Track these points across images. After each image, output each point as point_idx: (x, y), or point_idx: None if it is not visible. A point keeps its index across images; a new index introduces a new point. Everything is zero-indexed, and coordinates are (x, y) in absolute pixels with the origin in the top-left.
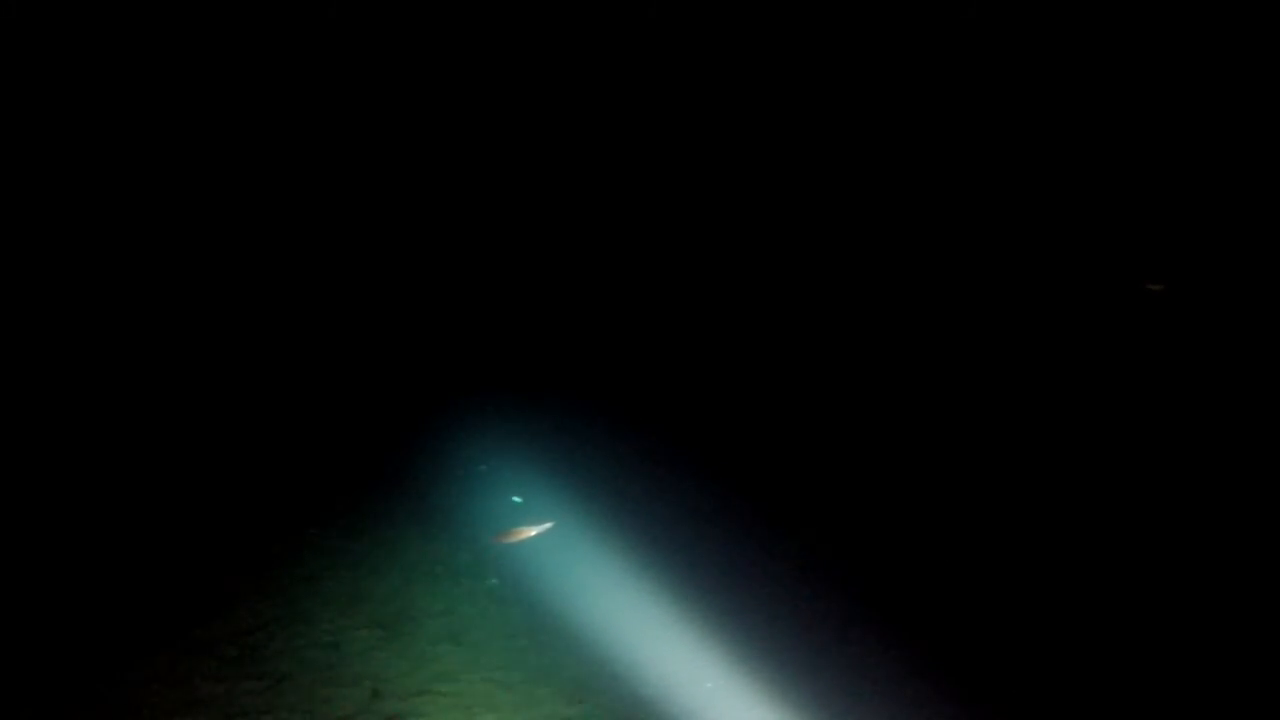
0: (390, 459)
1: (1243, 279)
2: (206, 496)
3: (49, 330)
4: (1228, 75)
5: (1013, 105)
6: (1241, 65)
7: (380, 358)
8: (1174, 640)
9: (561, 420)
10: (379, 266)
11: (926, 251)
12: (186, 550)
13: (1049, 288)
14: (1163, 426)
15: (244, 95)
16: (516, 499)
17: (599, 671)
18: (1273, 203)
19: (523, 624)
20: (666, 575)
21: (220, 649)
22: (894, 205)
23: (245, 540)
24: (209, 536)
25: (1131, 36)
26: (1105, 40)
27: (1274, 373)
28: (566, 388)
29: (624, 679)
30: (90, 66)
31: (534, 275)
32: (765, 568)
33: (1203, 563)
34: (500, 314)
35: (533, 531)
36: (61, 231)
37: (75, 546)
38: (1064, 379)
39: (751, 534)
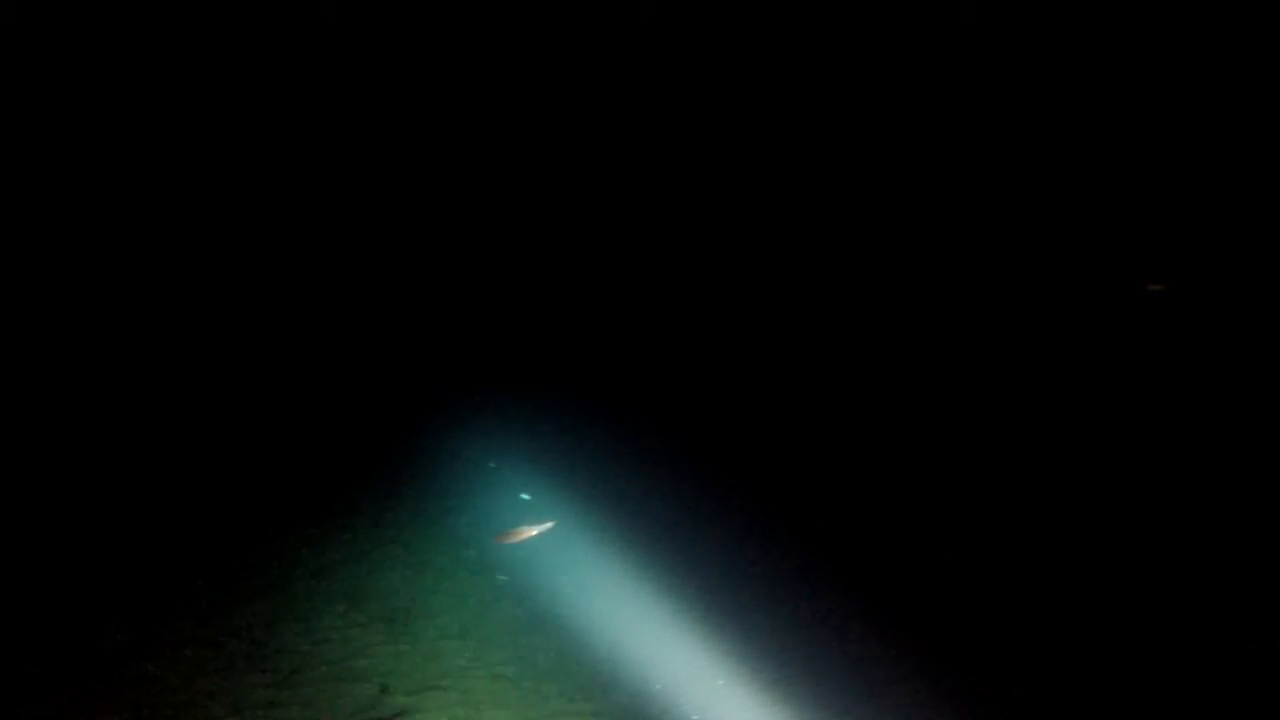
0: (397, 456)
1: (1243, 279)
2: (216, 494)
3: (59, 332)
4: (1228, 75)
5: (1013, 105)
6: (1241, 65)
7: (385, 358)
8: (1170, 638)
9: (564, 420)
10: (384, 267)
11: (926, 251)
12: (196, 547)
13: (1049, 288)
14: (1162, 425)
15: (247, 95)
16: (524, 496)
17: (604, 669)
18: (1273, 203)
19: (529, 620)
20: (668, 574)
21: (229, 644)
22: (894, 205)
23: (253, 537)
24: (218, 533)
25: (1131, 37)
26: (1105, 40)
27: (1274, 372)
28: (569, 388)
29: (629, 676)
30: (90, 66)
31: (536, 275)
32: (765, 567)
33: (1201, 560)
34: (503, 314)
35: (534, 531)
36: (66, 231)
37: (87, 544)
38: (1064, 378)
39: (751, 533)
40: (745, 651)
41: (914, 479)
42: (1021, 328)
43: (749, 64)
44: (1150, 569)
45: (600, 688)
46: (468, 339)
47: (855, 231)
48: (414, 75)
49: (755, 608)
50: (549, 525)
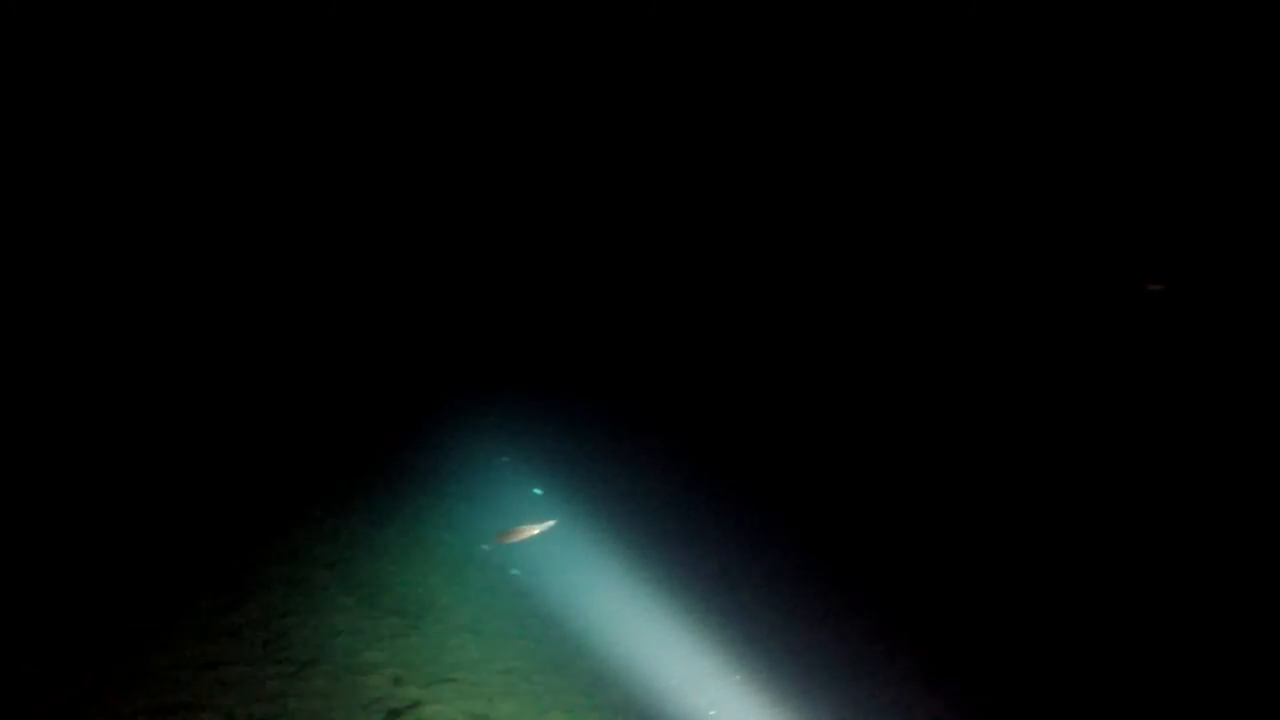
0: (409, 452)
1: (1243, 279)
2: (228, 487)
3: (67, 322)
4: (1228, 75)
5: (1013, 105)
6: (1241, 65)
7: (397, 356)
8: (1169, 636)
9: (568, 419)
10: (395, 266)
11: (927, 252)
12: (208, 540)
13: (1050, 288)
14: (1162, 424)
15: (251, 95)
16: (537, 490)
17: (614, 665)
18: (1273, 203)
19: (539, 615)
20: (670, 571)
21: (247, 634)
22: (894, 205)
23: (265, 530)
24: (229, 526)
25: (1131, 37)
26: (1105, 40)
27: (1273, 372)
28: (573, 387)
29: (638, 672)
30: (90, 66)
31: (544, 274)
32: (767, 567)
33: (1200, 558)
34: (512, 314)
35: (536, 530)
36: (70, 230)
37: (97, 538)
38: (1064, 377)
39: (753, 535)
40: (748, 649)
41: (913, 477)
42: (1022, 328)
43: (751, 65)
44: (1148, 566)
45: (611, 684)
46: (479, 338)
47: (855, 232)
48: (420, 74)
49: (756, 606)
50: (550, 524)
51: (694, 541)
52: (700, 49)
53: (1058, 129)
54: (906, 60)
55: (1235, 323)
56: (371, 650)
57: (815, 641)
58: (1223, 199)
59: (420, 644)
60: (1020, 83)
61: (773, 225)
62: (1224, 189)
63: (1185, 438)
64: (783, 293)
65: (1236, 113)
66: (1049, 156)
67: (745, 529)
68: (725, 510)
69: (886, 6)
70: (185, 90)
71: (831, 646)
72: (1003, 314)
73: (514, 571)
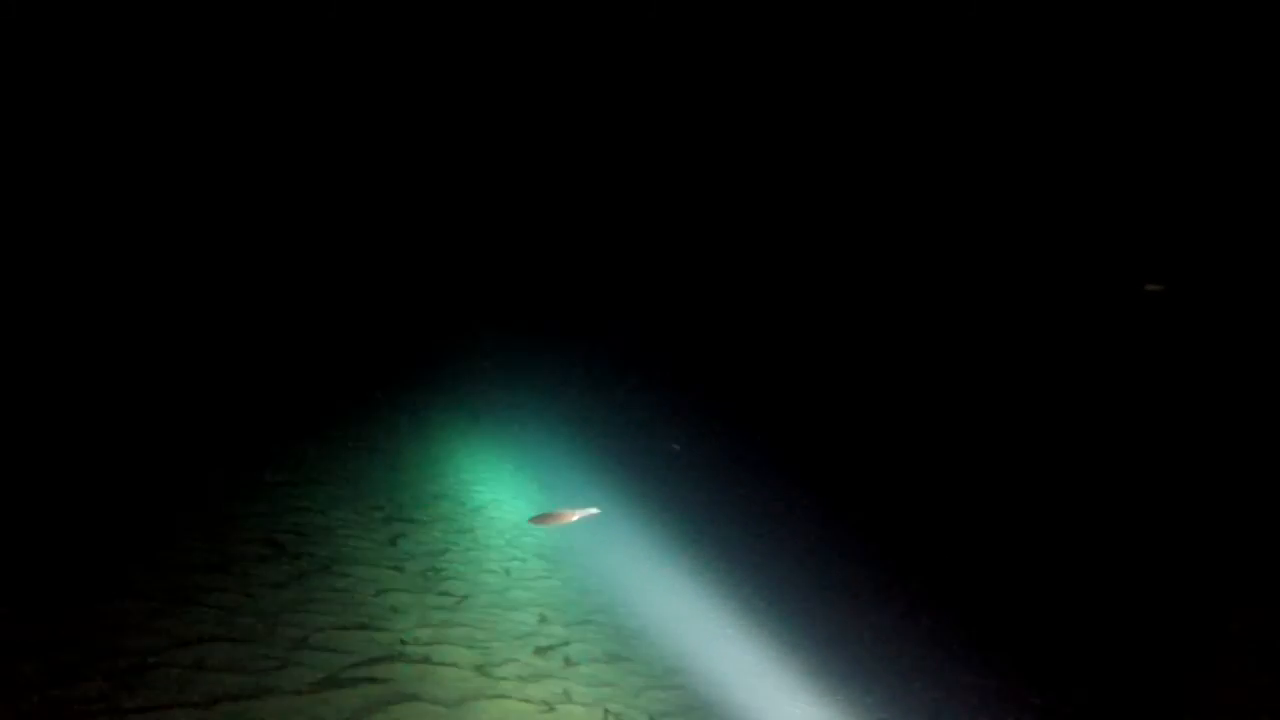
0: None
1: (1243, 279)
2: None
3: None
4: (1228, 76)
5: (1013, 105)
6: (1241, 66)
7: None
8: (1171, 628)
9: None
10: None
11: (927, 252)
12: (383, 488)
13: (1050, 288)
14: (1162, 423)
15: (251, 94)
16: (675, 446)
17: (729, 616)
18: (1272, 203)
19: (670, 567)
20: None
21: (410, 567)
22: (894, 205)
23: (427, 477)
24: (409, 475)
25: (1131, 37)
26: (1105, 40)
27: (1273, 372)
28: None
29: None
30: (90, 66)
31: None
32: (831, 575)
33: (1206, 562)
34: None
35: (574, 516)
36: (73, 228)
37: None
38: (1065, 377)
39: (814, 545)
40: (815, 652)
41: (927, 470)
42: (1023, 328)
43: (749, 64)
44: (1152, 560)
45: (756, 617)
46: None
47: (856, 231)
48: (428, 74)
49: (825, 618)
50: (593, 512)
51: (758, 545)
52: (701, 49)
53: (1058, 129)
54: (907, 60)
55: (1235, 323)
56: (518, 589)
57: (891, 651)
58: (1222, 199)
59: (563, 586)
60: (1020, 83)
61: (775, 225)
62: (1223, 189)
63: (1185, 436)
64: (788, 294)
65: (1236, 113)
66: (1049, 157)
67: (802, 533)
68: (786, 513)
69: (887, 6)
70: (185, 90)
71: (858, 618)
72: (1004, 314)
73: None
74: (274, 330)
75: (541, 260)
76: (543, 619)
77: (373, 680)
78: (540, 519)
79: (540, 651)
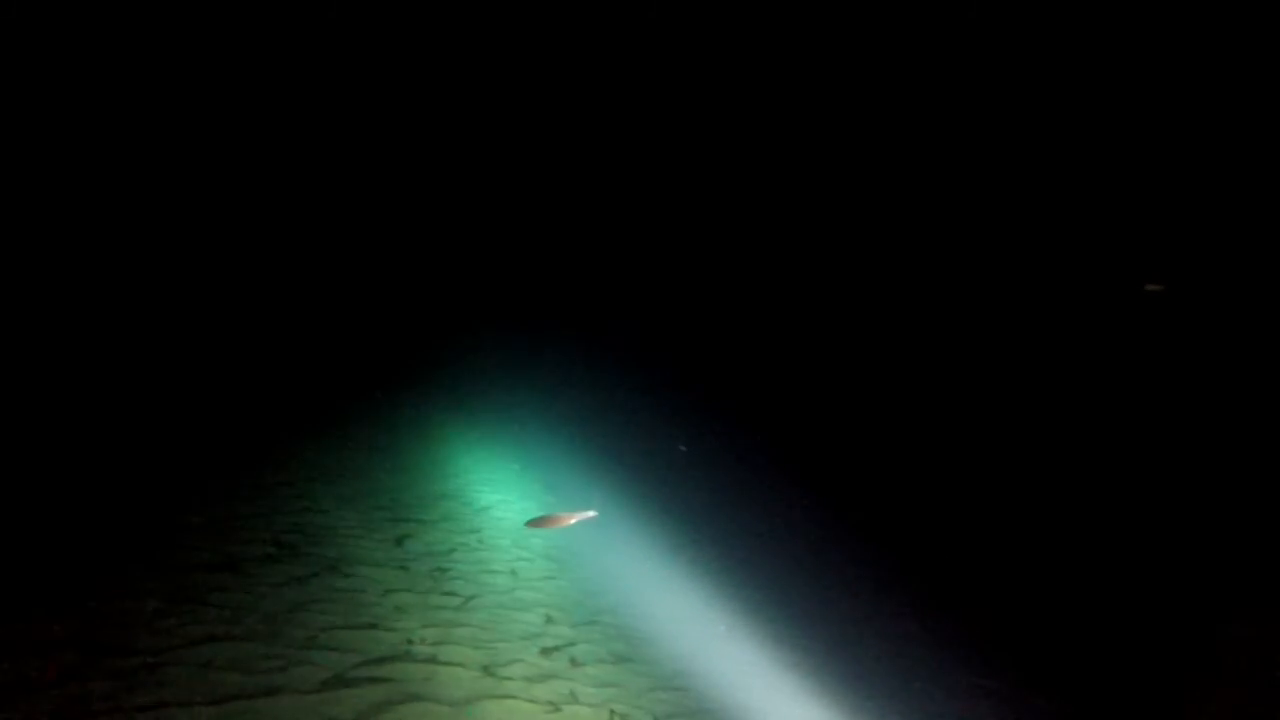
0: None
1: (1243, 279)
2: (390, 443)
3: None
4: (1228, 75)
5: (1013, 105)
6: (1241, 66)
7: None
8: (1173, 627)
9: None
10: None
11: (927, 252)
12: (387, 487)
13: (1051, 288)
14: (1161, 423)
15: (251, 94)
16: (682, 448)
17: (739, 614)
18: (1273, 203)
19: (676, 568)
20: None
21: (414, 567)
22: (895, 206)
23: (433, 478)
24: (411, 478)
25: (1131, 37)
26: (1106, 41)
27: (1273, 372)
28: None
29: (760, 618)
30: (90, 66)
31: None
32: (831, 576)
33: (1206, 563)
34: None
35: (571, 520)
36: (74, 227)
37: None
38: (1065, 377)
39: (814, 545)
40: (814, 655)
41: (928, 470)
42: (1023, 328)
43: (749, 64)
44: (1150, 558)
45: (760, 612)
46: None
47: (856, 232)
48: (420, 75)
49: (821, 619)
50: (590, 514)
51: (759, 548)
52: (701, 49)
53: (1058, 129)
54: (907, 60)
55: (1235, 323)
56: (525, 590)
57: (894, 668)
58: (1222, 199)
59: (569, 587)
60: (1020, 83)
61: (774, 226)
62: (1223, 189)
63: (1184, 436)
64: (790, 295)
65: (1236, 113)
66: (1049, 157)
67: (805, 536)
68: (789, 520)
69: (887, 6)
70: (187, 91)
71: (842, 603)
72: (1004, 314)
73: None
74: (277, 330)
75: (543, 261)
76: (549, 620)
77: (380, 680)
78: (538, 522)
79: (546, 652)
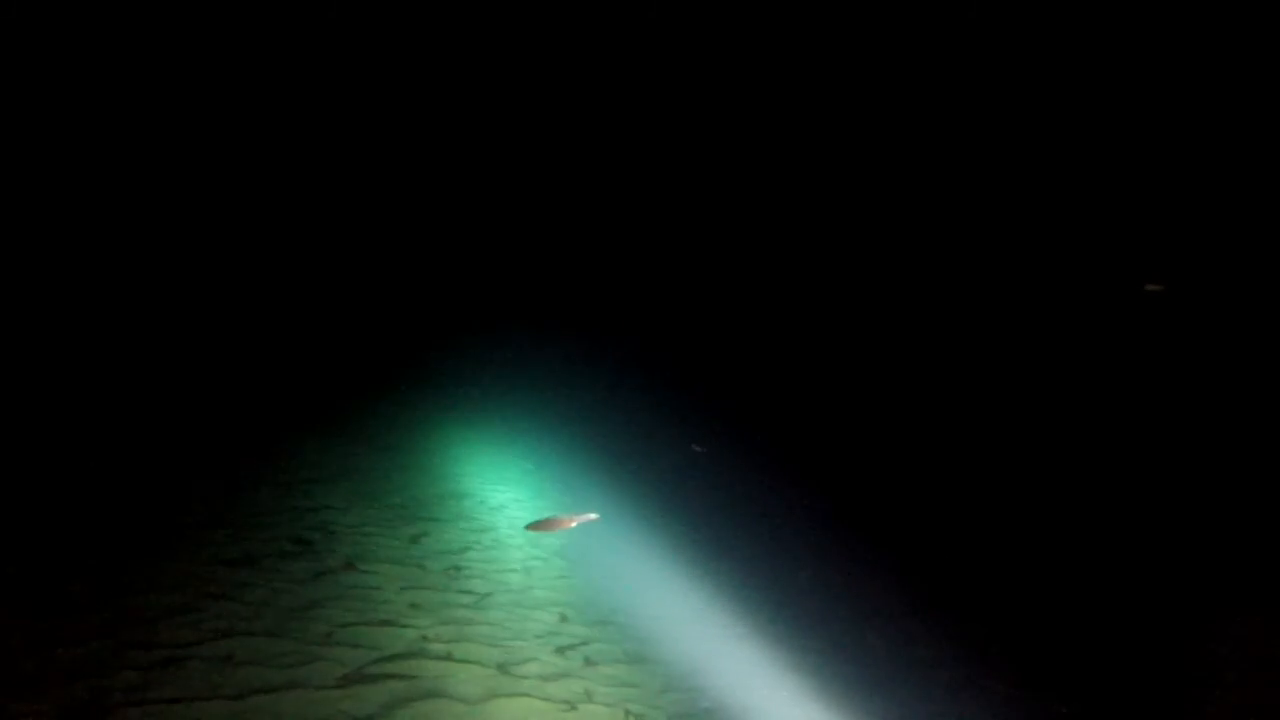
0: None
1: (1242, 279)
2: (404, 441)
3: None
4: (1228, 75)
5: (1013, 105)
6: (1241, 66)
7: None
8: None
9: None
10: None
11: (928, 252)
12: (402, 483)
13: (1051, 288)
14: (1162, 424)
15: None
16: (697, 448)
17: (756, 609)
18: (1273, 203)
19: (686, 567)
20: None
21: (430, 565)
22: (895, 206)
23: (444, 477)
24: (428, 478)
25: (1131, 37)
26: (1106, 41)
27: (1273, 372)
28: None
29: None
30: (90, 66)
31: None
32: (832, 576)
33: (1207, 563)
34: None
35: (572, 522)
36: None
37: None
38: (1065, 377)
39: (815, 546)
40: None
41: (928, 470)
42: (1023, 328)
43: (757, 67)
44: (1151, 558)
45: (763, 612)
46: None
47: (856, 232)
48: (421, 75)
49: (824, 626)
50: (592, 517)
51: (754, 546)
52: (701, 50)
53: (1058, 129)
54: (907, 60)
55: (1235, 323)
56: (539, 588)
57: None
58: (1222, 199)
59: (582, 586)
60: (1020, 83)
61: (775, 226)
62: (1223, 189)
63: (1184, 435)
64: (792, 295)
65: (1236, 113)
66: (1049, 157)
67: (801, 534)
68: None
69: (887, 6)
70: (191, 92)
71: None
72: (1004, 314)
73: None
74: (287, 329)
75: (543, 261)
76: (563, 618)
77: (397, 676)
78: (539, 525)
79: (561, 651)
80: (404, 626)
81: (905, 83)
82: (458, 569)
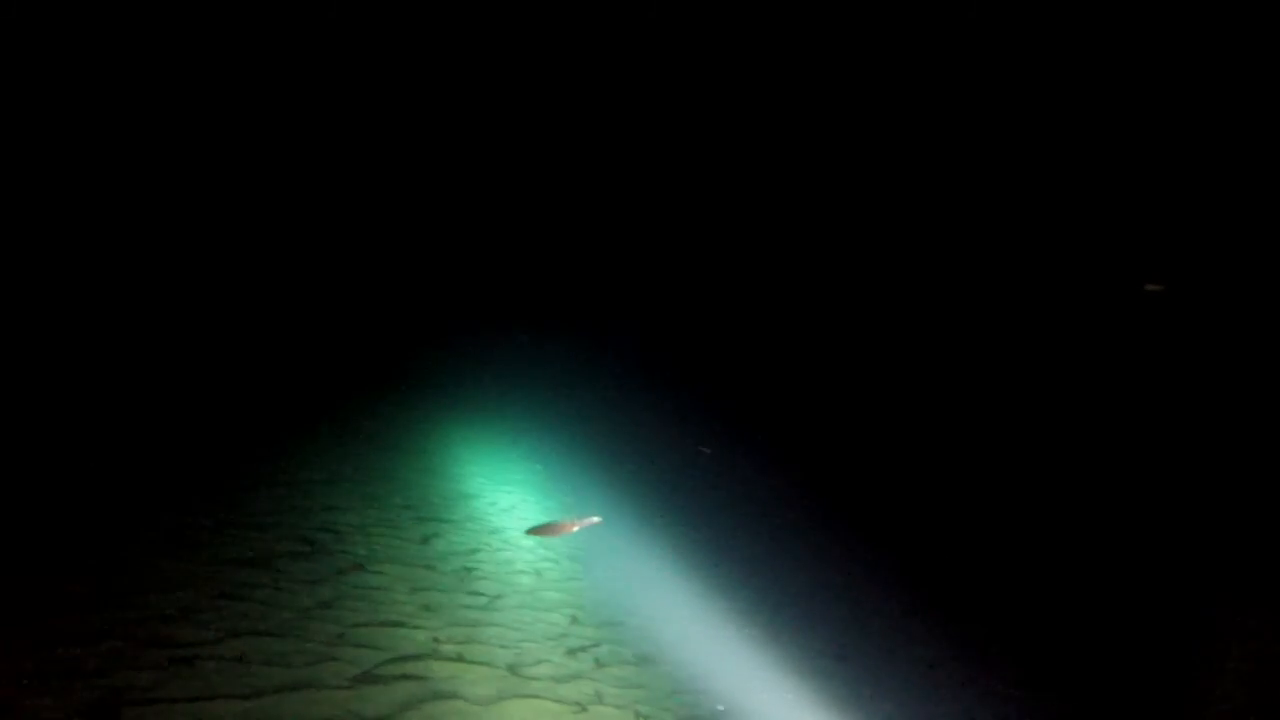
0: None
1: (1242, 279)
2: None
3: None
4: (1228, 75)
5: (1013, 105)
6: (1241, 66)
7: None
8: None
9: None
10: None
11: (928, 252)
12: (413, 486)
13: (1051, 288)
14: (1162, 424)
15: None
16: (705, 449)
17: (769, 610)
18: (1272, 203)
19: (691, 569)
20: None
21: (441, 566)
22: (895, 206)
23: (454, 478)
24: (434, 483)
25: (1131, 37)
26: (1106, 41)
27: (1273, 372)
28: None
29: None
30: (90, 66)
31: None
32: (832, 576)
33: (1207, 561)
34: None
35: (574, 526)
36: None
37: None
38: (1065, 377)
39: (816, 546)
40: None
41: (929, 470)
42: (1023, 328)
43: (757, 67)
44: (1151, 556)
45: (765, 614)
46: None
47: (856, 232)
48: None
49: (827, 621)
50: (594, 520)
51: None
52: (701, 49)
53: (1058, 129)
54: (907, 60)
55: (1235, 323)
56: (550, 590)
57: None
58: (1222, 199)
59: (593, 588)
60: (1020, 83)
61: (775, 226)
62: (1223, 189)
63: (1185, 436)
64: (793, 296)
65: (1236, 113)
66: (1049, 157)
67: (804, 541)
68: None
69: (887, 6)
70: (191, 91)
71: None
72: (1004, 314)
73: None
74: (295, 330)
75: (544, 261)
76: (574, 620)
77: (409, 677)
78: (540, 530)
79: (572, 652)
80: (415, 628)
81: (905, 83)
82: (468, 570)
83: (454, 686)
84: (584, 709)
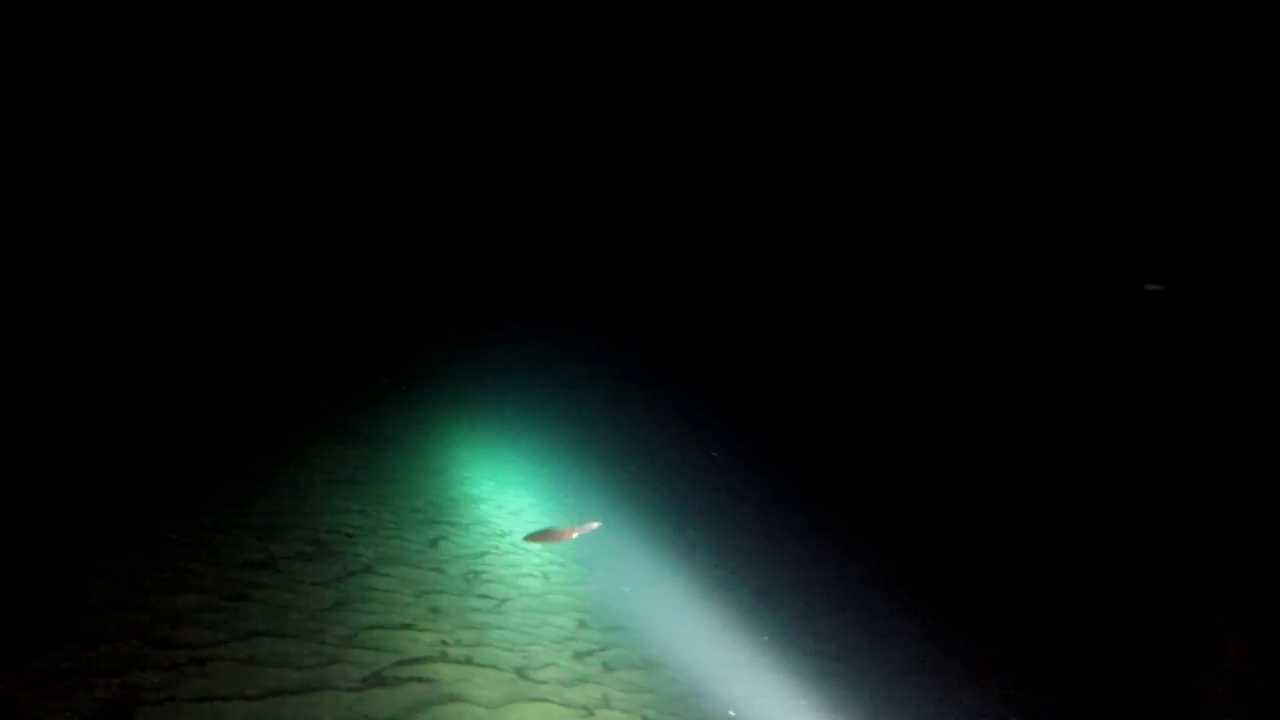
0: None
1: (1242, 279)
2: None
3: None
4: (1227, 75)
5: (1014, 106)
6: (1241, 66)
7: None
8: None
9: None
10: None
11: (928, 252)
12: (422, 492)
13: (1051, 288)
14: (1162, 424)
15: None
16: (714, 454)
17: (765, 614)
18: (1272, 203)
19: (696, 572)
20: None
21: (450, 569)
22: (895, 206)
23: (462, 481)
24: (448, 486)
25: (1131, 37)
26: (1106, 41)
27: (1273, 372)
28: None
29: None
30: (90, 66)
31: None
32: (831, 577)
33: (1207, 562)
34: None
35: (574, 533)
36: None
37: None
38: (1065, 377)
39: (816, 548)
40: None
41: (929, 469)
42: (1023, 328)
43: (757, 66)
44: (1151, 557)
45: (764, 618)
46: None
47: (856, 232)
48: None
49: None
50: (594, 525)
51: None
52: (701, 49)
53: (1058, 129)
54: (907, 60)
55: (1235, 323)
56: (557, 594)
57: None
58: (1222, 199)
59: (599, 592)
60: (1020, 83)
61: (776, 226)
62: (1223, 189)
63: (1185, 436)
64: (793, 296)
65: (1236, 113)
66: (1049, 157)
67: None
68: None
69: (887, 6)
70: (191, 91)
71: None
72: (1004, 314)
73: (691, 532)
74: (294, 330)
75: (546, 262)
76: (581, 624)
77: (417, 680)
78: (537, 536)
79: (579, 656)
80: (424, 630)
81: (906, 83)
82: (476, 573)
83: (462, 689)
84: (591, 713)
